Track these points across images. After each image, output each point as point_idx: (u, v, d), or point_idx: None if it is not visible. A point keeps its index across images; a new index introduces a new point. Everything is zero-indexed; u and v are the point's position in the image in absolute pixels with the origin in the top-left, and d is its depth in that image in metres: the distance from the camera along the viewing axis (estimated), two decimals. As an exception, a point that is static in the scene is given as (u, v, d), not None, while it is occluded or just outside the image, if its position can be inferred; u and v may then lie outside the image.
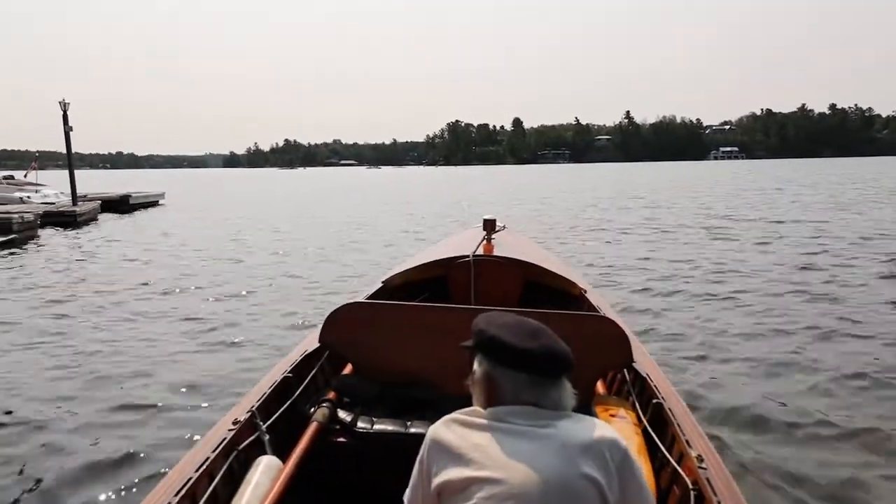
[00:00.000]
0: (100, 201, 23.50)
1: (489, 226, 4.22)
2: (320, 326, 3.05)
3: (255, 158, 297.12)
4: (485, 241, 4.13)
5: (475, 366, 1.47)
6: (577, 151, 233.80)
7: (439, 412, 1.55)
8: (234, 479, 2.11)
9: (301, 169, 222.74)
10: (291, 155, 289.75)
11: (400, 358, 2.89)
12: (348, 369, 3.03)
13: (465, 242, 4.29)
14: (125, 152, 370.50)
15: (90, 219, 21.10)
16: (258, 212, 24.67)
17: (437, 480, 1.38)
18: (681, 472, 2.03)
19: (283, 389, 2.67)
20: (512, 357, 1.40)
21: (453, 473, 1.35)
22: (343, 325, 2.98)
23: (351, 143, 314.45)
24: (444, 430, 1.42)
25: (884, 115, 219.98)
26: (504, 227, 4.46)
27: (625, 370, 2.88)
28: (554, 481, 1.28)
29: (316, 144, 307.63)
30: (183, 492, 1.88)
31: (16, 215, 15.66)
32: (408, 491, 1.49)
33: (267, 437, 2.34)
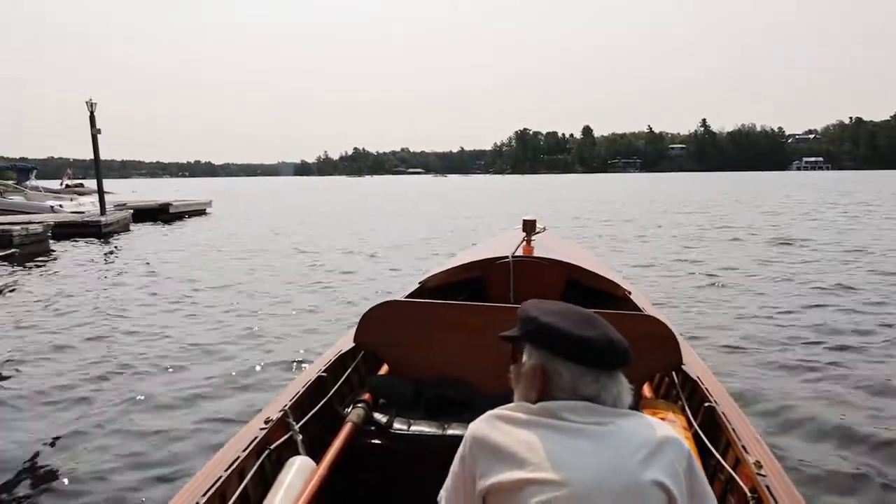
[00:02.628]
0: (132, 210, 22.48)
1: (529, 227, 4.06)
2: (356, 327, 3.04)
3: (325, 167, 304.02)
4: (524, 243, 3.98)
5: (524, 357, 1.33)
6: (648, 160, 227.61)
7: (477, 413, 1.39)
8: (266, 480, 2.08)
9: (369, 177, 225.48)
10: (360, 163, 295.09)
11: (436, 358, 2.85)
12: (384, 370, 3.01)
13: (504, 244, 4.16)
14: (203, 161, 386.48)
15: (120, 229, 20.02)
16: (305, 226, 23.22)
17: (483, 483, 1.24)
18: (737, 479, 1.96)
19: (317, 389, 2.64)
20: (570, 346, 1.27)
21: (504, 475, 1.21)
22: (378, 324, 2.95)
23: (419, 151, 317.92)
24: (487, 427, 1.28)
25: None
26: (545, 228, 4.29)
27: (673, 373, 2.80)
28: (622, 486, 1.17)
29: (384, 153, 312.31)
30: (212, 491, 1.85)
31: (18, 227, 14.25)
32: (443, 492, 1.34)
33: (300, 437, 2.29)
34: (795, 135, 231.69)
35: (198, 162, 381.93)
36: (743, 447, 2.07)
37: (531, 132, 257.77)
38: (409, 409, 2.69)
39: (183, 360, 6.11)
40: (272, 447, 2.19)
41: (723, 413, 2.34)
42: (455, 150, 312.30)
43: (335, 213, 30.57)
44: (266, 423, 2.25)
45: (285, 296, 9.29)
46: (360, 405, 2.57)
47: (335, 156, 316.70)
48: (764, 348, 6.14)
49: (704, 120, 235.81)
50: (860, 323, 7.04)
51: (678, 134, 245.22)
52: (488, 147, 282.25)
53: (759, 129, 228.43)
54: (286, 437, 2.27)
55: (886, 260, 11.72)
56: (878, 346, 6.17)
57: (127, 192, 44.25)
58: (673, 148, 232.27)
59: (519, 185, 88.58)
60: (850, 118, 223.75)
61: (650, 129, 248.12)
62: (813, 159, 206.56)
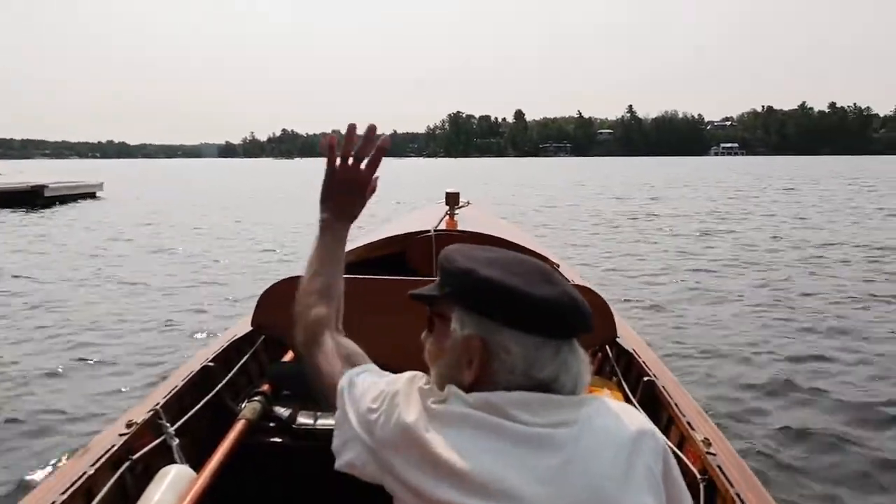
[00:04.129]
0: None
1: (452, 200, 3.88)
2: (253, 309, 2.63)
3: (252, 148, 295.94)
4: (447, 217, 3.82)
5: (453, 325, 0.95)
6: (578, 145, 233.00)
7: None
8: (127, 498, 1.73)
9: (299, 159, 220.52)
10: (289, 145, 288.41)
11: (357, 338, 2.18)
12: (288, 356, 2.68)
13: (425, 218, 3.98)
14: (116, 141, 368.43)
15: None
16: (207, 205, 21.34)
17: (399, 481, 0.92)
18: (684, 459, 1.80)
19: (202, 382, 2.27)
20: (524, 311, 0.91)
21: (430, 490, 0.87)
22: (281, 303, 2.41)
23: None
24: (414, 416, 0.92)
25: (882, 115, 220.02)
26: (468, 202, 4.14)
27: (607, 347, 2.67)
28: None
29: (315, 135, 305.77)
30: None
31: None
32: (337, 440, 1.01)
33: (176, 441, 1.94)
34: (713, 122, 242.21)
35: (110, 142, 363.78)
36: (688, 423, 1.92)
37: (464, 115, 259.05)
38: (316, 401, 2.32)
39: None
40: (136, 456, 1.81)
41: (663, 387, 2.20)
42: (388, 132, 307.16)
43: (247, 195, 28.04)
44: (128, 426, 1.87)
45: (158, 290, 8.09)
46: (256, 398, 2.22)
47: (263, 137, 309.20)
48: (695, 324, 6.16)
49: (631, 106, 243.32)
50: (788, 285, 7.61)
51: (606, 119, 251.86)
52: (422, 130, 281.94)
53: (680, 115, 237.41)
54: (157, 442, 1.90)
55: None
56: (807, 309, 6.61)
57: (13, 172, 38.21)
58: (601, 133, 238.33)
59: (452, 168, 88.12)
60: (762, 107, 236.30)
61: (580, 114, 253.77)
62: (729, 145, 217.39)
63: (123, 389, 4.64)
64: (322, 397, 1.10)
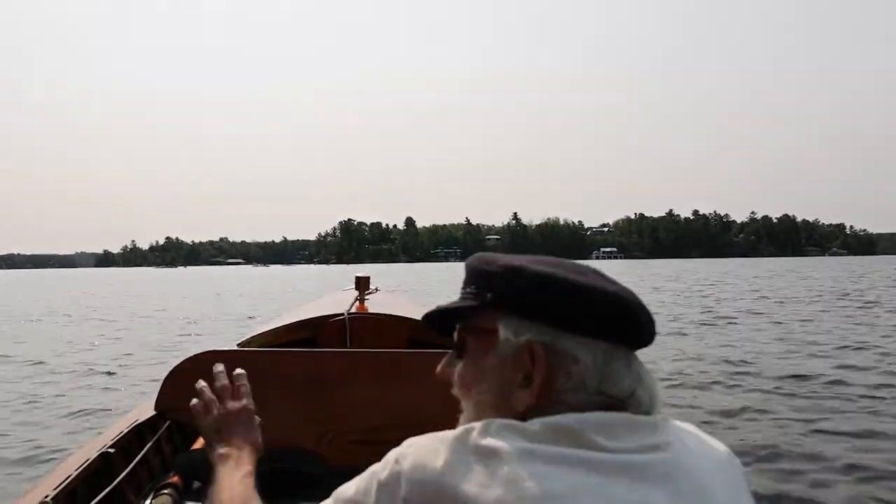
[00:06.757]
0: None
1: (363, 284, 3.80)
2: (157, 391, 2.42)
3: (132, 257, 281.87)
4: (358, 302, 3.70)
5: (504, 335, 0.77)
6: (468, 250, 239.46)
7: (325, 490, 0.89)
8: None
9: (182, 268, 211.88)
10: (173, 253, 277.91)
11: (268, 422, 1.94)
12: (199, 443, 2.46)
13: (336, 303, 3.81)
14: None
15: None
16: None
17: None
18: None
19: (99, 472, 2.07)
20: (596, 310, 0.75)
21: None
22: (188, 384, 2.01)
23: (238, 241, 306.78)
24: (443, 465, 0.69)
25: (739, 221, 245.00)
26: (377, 288, 4.07)
27: None
28: None
29: (201, 242, 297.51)
30: None
31: None
32: None
33: None
34: (592, 227, 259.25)
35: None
36: None
37: (356, 222, 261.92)
38: None
39: None
40: None
41: None
42: (278, 239, 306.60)
43: (109, 306, 24.94)
44: None
45: None
46: (165, 492, 2.02)
47: (144, 245, 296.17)
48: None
49: (516, 213, 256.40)
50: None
51: (493, 226, 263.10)
52: (312, 237, 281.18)
53: (562, 222, 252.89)
54: None
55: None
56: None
57: None
58: (489, 238, 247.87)
59: (347, 272, 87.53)
60: (635, 214, 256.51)
61: (468, 220, 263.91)
62: (609, 249, 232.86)
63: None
64: None
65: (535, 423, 0.70)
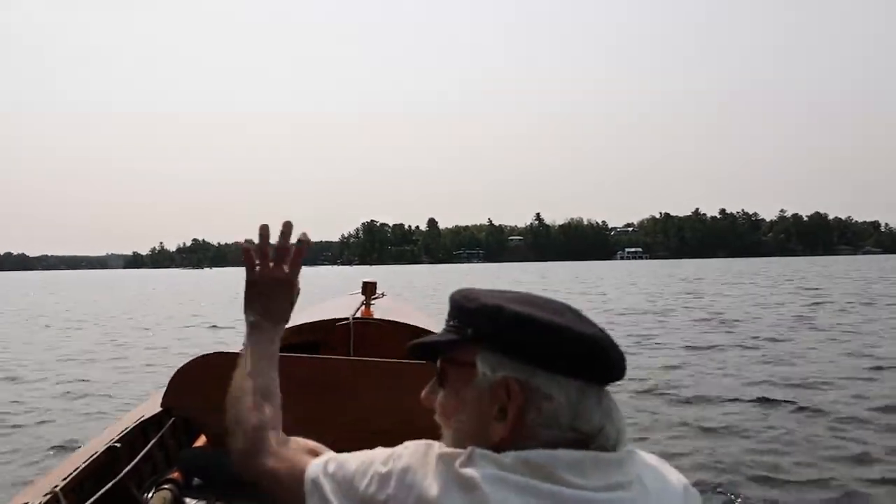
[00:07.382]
0: None
1: (369, 290, 3.84)
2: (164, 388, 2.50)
3: (160, 259, 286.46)
4: (364, 306, 3.75)
5: (481, 369, 0.82)
6: (490, 251, 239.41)
7: None
8: None
9: (209, 269, 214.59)
10: (200, 254, 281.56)
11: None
12: (201, 441, 2.56)
13: (341, 307, 3.90)
14: (14, 253, 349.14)
15: None
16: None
17: None
18: None
19: (105, 465, 2.16)
20: (569, 350, 0.79)
21: None
22: (195, 383, 2.38)
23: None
24: (437, 489, 0.76)
25: (768, 220, 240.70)
26: (384, 293, 4.16)
27: None
28: None
29: (227, 244, 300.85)
30: None
31: None
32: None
33: None
34: (617, 227, 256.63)
35: (8, 254, 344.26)
36: None
37: (378, 224, 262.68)
38: (232, 492, 2.17)
39: None
40: None
41: None
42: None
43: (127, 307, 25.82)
44: None
45: None
46: (165, 487, 2.07)
47: (172, 247, 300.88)
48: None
49: (538, 213, 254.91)
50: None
51: (516, 226, 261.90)
52: (335, 238, 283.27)
53: (586, 222, 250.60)
54: None
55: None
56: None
57: None
58: (512, 239, 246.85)
59: (370, 273, 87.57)
60: (660, 213, 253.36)
61: (490, 221, 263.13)
62: (633, 249, 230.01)
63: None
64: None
65: (508, 456, 0.75)
